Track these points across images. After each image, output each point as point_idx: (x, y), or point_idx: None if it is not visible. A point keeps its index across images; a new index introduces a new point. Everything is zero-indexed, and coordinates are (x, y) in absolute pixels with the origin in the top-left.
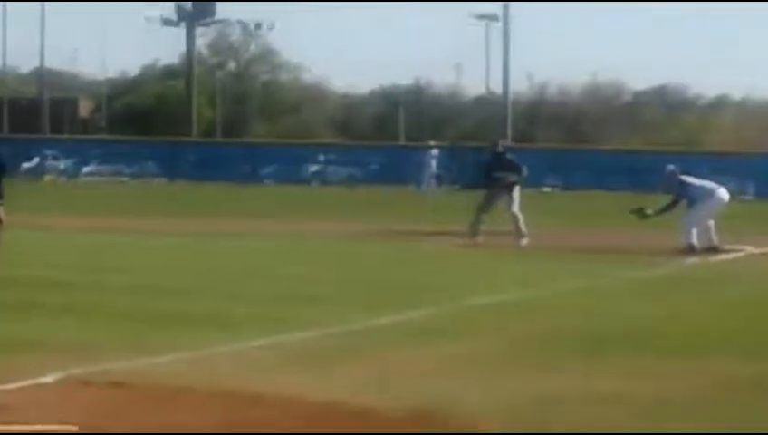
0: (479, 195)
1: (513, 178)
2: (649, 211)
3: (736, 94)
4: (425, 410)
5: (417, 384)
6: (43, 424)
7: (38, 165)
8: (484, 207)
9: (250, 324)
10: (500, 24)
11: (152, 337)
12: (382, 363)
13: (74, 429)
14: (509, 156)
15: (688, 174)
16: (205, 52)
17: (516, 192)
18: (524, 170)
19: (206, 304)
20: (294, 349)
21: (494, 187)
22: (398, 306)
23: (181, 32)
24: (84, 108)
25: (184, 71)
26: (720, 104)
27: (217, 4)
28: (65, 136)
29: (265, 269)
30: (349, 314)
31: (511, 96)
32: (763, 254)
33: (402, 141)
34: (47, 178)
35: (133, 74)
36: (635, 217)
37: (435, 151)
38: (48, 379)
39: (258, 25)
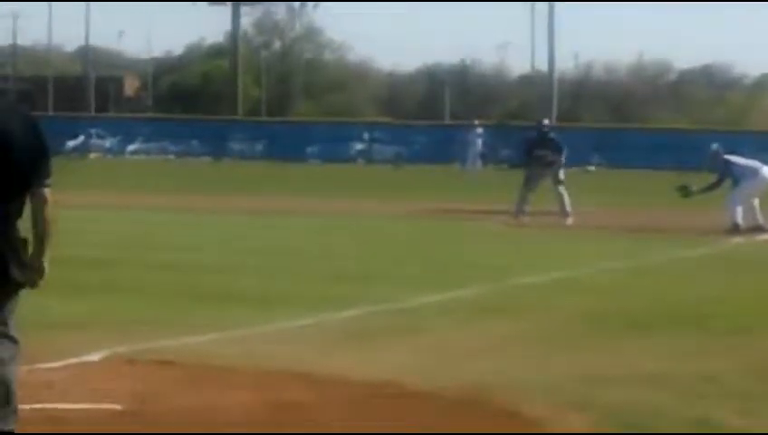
0: (523, 174)
1: (553, 157)
2: (694, 189)
3: None
4: (471, 390)
5: (464, 363)
6: (87, 402)
7: (83, 143)
8: (529, 185)
9: (296, 303)
10: (545, 3)
11: (197, 315)
12: (429, 342)
13: (118, 407)
14: (552, 135)
15: (733, 153)
16: (250, 31)
17: (561, 170)
18: (565, 151)
19: (251, 282)
20: (341, 328)
21: (534, 165)
22: (445, 285)
23: (227, 10)
24: (129, 86)
25: (229, 50)
26: (765, 83)
27: None
28: (110, 114)
29: (311, 247)
30: (396, 293)
31: (556, 75)
32: None
33: (447, 120)
34: (92, 156)
35: (178, 53)
36: (679, 195)
37: (480, 130)
38: (93, 357)
39: (303, 4)
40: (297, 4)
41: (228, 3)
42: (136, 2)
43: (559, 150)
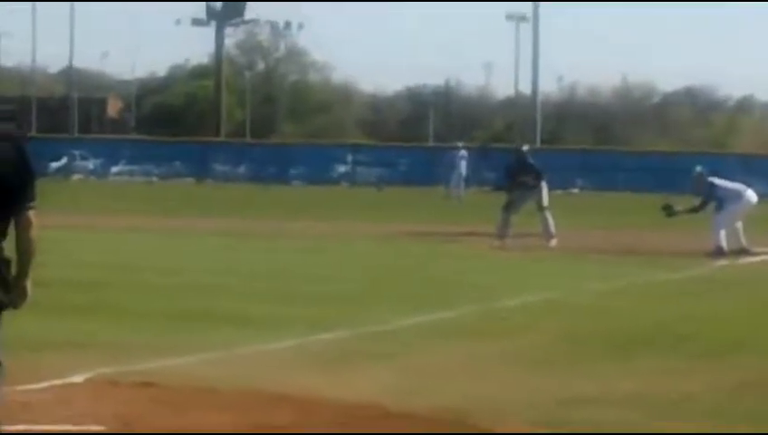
0: (505, 197)
1: (535, 182)
2: (679, 208)
3: (761, 95)
4: (452, 411)
5: (444, 385)
6: (71, 424)
7: (66, 165)
8: (511, 208)
9: (278, 325)
10: (530, 25)
11: (180, 337)
12: (411, 364)
13: (101, 429)
14: (531, 161)
15: (717, 175)
16: (234, 52)
17: (545, 192)
18: (545, 177)
19: (234, 304)
20: (323, 350)
21: (517, 190)
22: (428, 307)
23: (211, 32)
24: (113, 108)
25: (213, 71)
26: (747, 105)
27: (247, 3)
28: (94, 136)
29: (294, 269)
30: (378, 315)
31: (540, 97)
32: None
33: (431, 142)
34: (75, 177)
35: (162, 74)
36: (664, 214)
37: (463, 152)
38: (77, 378)
39: (287, 25)
40: (281, 24)
41: (212, 23)
42: (123, 10)
43: (539, 176)
